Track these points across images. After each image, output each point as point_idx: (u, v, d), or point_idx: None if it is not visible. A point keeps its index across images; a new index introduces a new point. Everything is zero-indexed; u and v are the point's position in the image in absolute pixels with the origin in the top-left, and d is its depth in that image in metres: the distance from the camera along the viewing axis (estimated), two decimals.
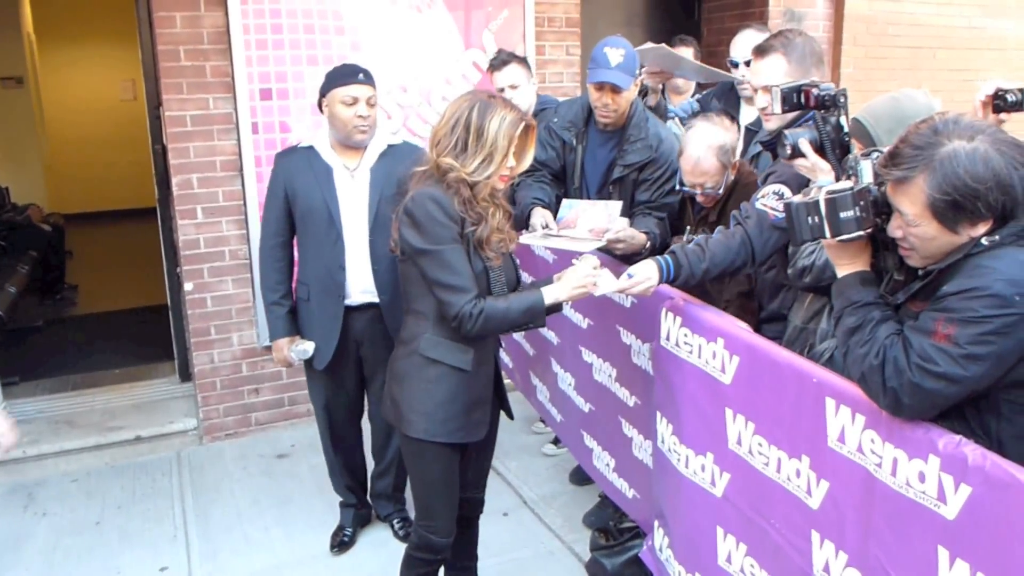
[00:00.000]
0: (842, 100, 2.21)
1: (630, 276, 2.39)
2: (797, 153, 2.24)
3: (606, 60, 2.99)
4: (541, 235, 3.00)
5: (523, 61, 3.64)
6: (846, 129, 2.24)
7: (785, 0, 5.26)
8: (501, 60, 3.61)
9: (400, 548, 3.03)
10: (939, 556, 1.59)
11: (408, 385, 2.41)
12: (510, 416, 2.72)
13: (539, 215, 3.07)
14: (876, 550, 1.76)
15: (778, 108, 2.34)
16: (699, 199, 2.93)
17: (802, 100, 2.26)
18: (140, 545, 3.50)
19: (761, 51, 2.61)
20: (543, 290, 2.37)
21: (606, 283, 2.39)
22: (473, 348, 2.40)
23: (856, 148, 2.28)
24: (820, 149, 2.24)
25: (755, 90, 2.68)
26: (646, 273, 2.39)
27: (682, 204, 3.15)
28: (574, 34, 4.84)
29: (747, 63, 3.33)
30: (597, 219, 2.96)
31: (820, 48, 2.65)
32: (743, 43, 3.44)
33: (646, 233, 2.96)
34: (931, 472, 1.62)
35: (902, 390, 1.65)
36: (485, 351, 2.47)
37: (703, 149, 2.83)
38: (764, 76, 2.60)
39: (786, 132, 2.27)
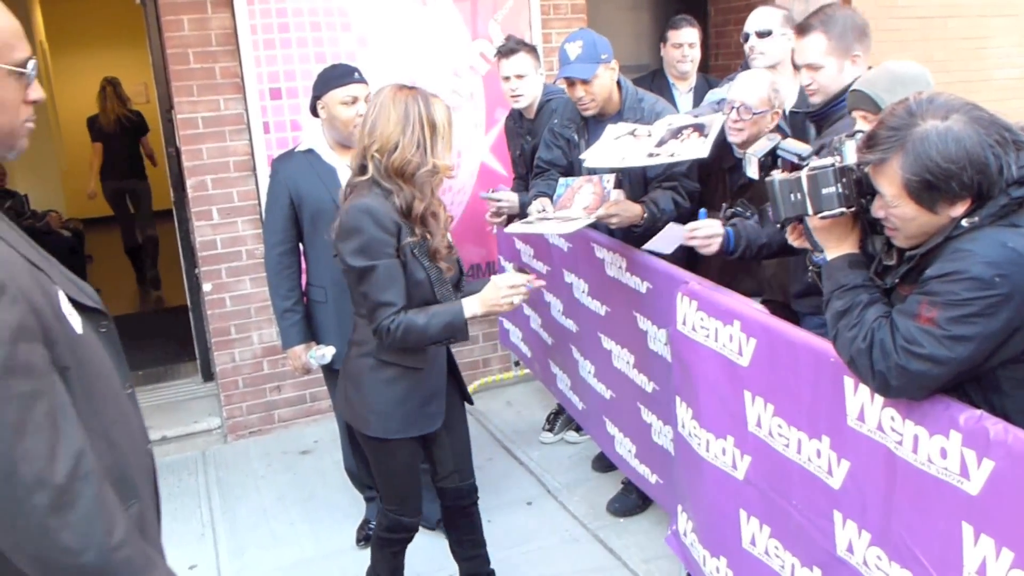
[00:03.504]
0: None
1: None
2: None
3: (566, 56, 3.02)
4: (534, 219, 2.98)
5: (532, 50, 3.62)
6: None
7: None
8: (509, 48, 3.59)
9: (425, 540, 3.06)
10: (963, 532, 1.59)
11: (364, 386, 2.45)
12: (469, 402, 2.78)
13: (536, 203, 3.06)
14: (899, 528, 1.75)
15: (754, 174, 2.33)
16: (731, 120, 2.89)
17: (778, 164, 2.20)
18: (168, 544, 3.45)
19: (802, 29, 2.65)
20: (464, 303, 2.36)
21: (670, 233, 2.51)
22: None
23: (861, 122, 2.27)
24: None
25: (798, 68, 2.71)
26: (713, 226, 2.48)
27: (715, 179, 3.10)
28: (580, 20, 4.80)
29: (759, 34, 3.37)
30: (591, 195, 2.94)
31: (863, 21, 2.64)
32: (755, 17, 3.44)
33: (642, 203, 2.92)
34: (953, 448, 1.61)
35: (889, 372, 1.67)
36: (438, 346, 2.50)
37: (759, 74, 2.94)
38: (806, 54, 2.65)
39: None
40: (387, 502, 2.64)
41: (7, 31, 1.25)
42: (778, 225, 2.02)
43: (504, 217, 3.60)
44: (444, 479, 2.72)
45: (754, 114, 2.85)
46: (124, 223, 7.23)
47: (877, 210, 1.76)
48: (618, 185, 2.96)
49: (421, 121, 2.29)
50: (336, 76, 2.95)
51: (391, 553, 2.73)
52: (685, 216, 3.05)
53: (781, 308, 2.86)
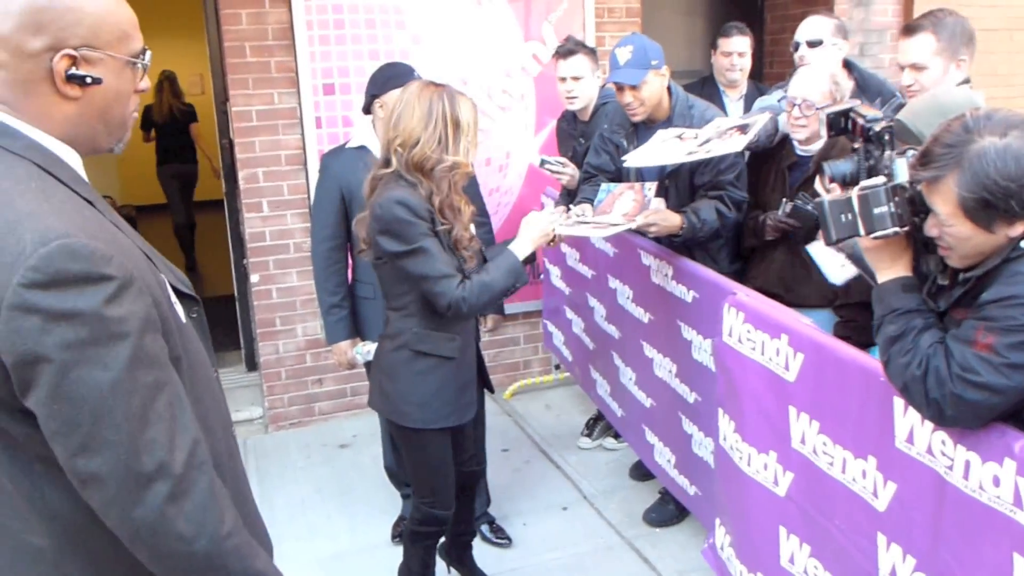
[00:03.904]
0: (887, 138, 2.08)
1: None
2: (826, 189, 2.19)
3: (616, 61, 2.99)
4: (571, 222, 2.96)
5: (591, 52, 3.58)
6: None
7: None
8: (568, 49, 3.55)
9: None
10: (1015, 565, 1.55)
11: (399, 378, 2.51)
12: (491, 391, 2.89)
13: (577, 208, 3.04)
14: (947, 556, 1.71)
15: (824, 133, 2.32)
16: (792, 116, 2.86)
17: (848, 126, 2.20)
18: None
19: (910, 30, 2.69)
20: (511, 250, 2.46)
21: (826, 256, 2.52)
22: (458, 336, 2.51)
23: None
24: (854, 181, 2.16)
25: (902, 68, 2.74)
26: None
27: (774, 178, 3.04)
28: (634, 24, 4.77)
29: (809, 43, 3.33)
30: (632, 202, 2.91)
31: (971, 28, 2.65)
32: (806, 26, 3.41)
33: (682, 213, 2.88)
34: (1006, 476, 1.57)
35: (944, 401, 1.62)
36: (468, 335, 2.60)
37: (819, 68, 2.90)
38: (912, 54, 2.67)
39: (825, 164, 2.19)
40: (420, 494, 2.68)
41: (127, 22, 1.28)
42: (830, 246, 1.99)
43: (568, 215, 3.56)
44: (462, 464, 2.79)
45: (817, 109, 2.80)
46: (174, 204, 7.99)
47: (930, 228, 1.71)
48: (660, 194, 2.93)
49: (444, 118, 2.35)
50: (396, 75, 2.94)
51: (423, 547, 2.77)
52: (730, 227, 3.01)
53: (860, 310, 2.79)
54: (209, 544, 1.21)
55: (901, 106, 2.47)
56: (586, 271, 3.79)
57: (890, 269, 1.83)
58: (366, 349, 3.10)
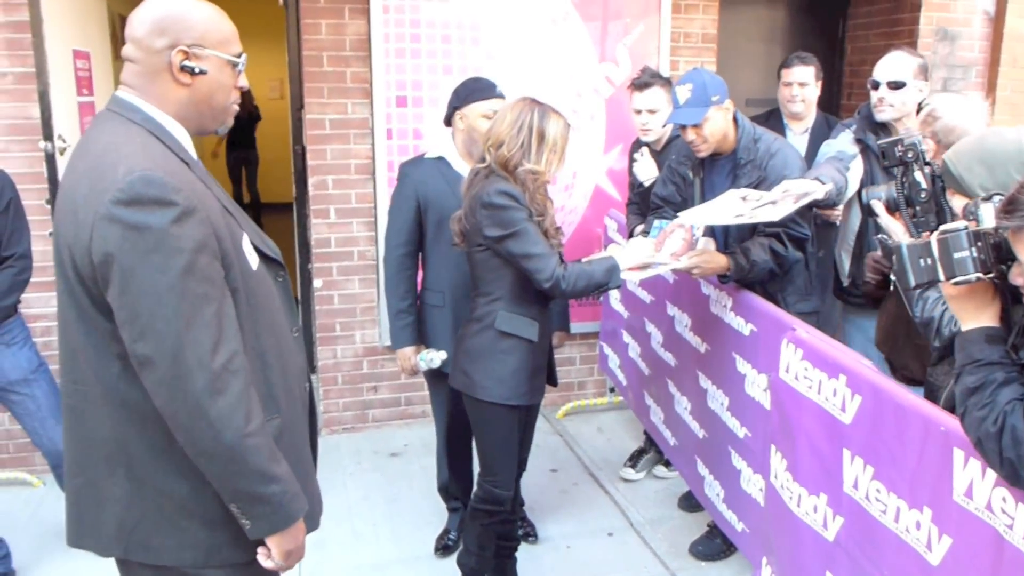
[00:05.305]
0: (910, 156, 2.15)
1: None
2: (871, 212, 2.16)
3: (676, 100, 2.94)
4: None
5: (667, 83, 3.53)
6: (923, 185, 2.11)
7: (937, 18, 4.97)
8: (644, 81, 3.51)
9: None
10: None
11: (482, 357, 2.72)
12: (554, 384, 3.06)
13: (638, 238, 3.03)
14: None
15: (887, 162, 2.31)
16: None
17: (900, 156, 2.20)
18: None
19: None
20: (612, 255, 2.74)
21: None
22: (538, 322, 2.72)
23: (948, 193, 2.14)
24: (897, 207, 2.13)
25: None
26: None
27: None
28: (710, 50, 4.73)
29: (891, 85, 3.16)
30: (681, 240, 2.86)
31: None
32: (888, 64, 3.22)
33: (729, 254, 2.82)
34: None
35: (1020, 462, 1.55)
36: (545, 325, 2.80)
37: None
38: None
39: (864, 189, 2.17)
40: (484, 472, 2.86)
41: (228, 31, 1.64)
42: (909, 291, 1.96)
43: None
44: None
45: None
46: (236, 182, 10.20)
47: (1015, 277, 1.64)
48: (713, 232, 2.88)
49: (530, 128, 2.60)
50: (479, 89, 3.03)
51: (481, 526, 2.88)
52: (790, 265, 2.93)
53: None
54: (233, 437, 1.47)
55: None
56: (645, 296, 3.76)
57: (975, 318, 1.74)
58: (430, 356, 3.14)
